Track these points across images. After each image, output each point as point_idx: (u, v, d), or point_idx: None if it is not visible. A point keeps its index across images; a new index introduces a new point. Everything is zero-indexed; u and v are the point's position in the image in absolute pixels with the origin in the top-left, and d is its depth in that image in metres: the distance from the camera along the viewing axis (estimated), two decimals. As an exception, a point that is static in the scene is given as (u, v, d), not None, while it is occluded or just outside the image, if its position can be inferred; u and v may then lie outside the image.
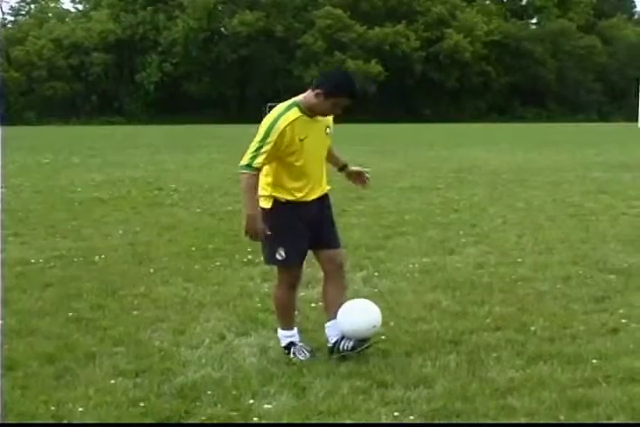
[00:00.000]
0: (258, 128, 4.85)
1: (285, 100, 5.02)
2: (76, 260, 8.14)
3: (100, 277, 7.26)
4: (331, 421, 4.05)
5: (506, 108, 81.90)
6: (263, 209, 4.97)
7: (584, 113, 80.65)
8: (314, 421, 4.06)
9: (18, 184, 15.73)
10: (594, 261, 7.84)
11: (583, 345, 5.15)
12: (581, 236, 9.41)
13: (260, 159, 4.80)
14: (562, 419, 4.03)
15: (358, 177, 5.43)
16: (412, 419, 4.05)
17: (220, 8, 78.96)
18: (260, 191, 5.00)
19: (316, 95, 4.82)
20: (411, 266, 7.71)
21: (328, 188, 5.19)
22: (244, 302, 6.38)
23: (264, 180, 5.01)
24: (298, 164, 4.91)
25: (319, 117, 4.92)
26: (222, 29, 79.08)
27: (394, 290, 6.77)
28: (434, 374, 4.66)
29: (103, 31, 76.20)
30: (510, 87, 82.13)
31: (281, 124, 4.81)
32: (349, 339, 4.91)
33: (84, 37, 75.87)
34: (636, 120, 54.56)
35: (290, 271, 5.09)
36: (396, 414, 4.10)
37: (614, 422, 4.00)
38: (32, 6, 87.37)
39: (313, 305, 6.11)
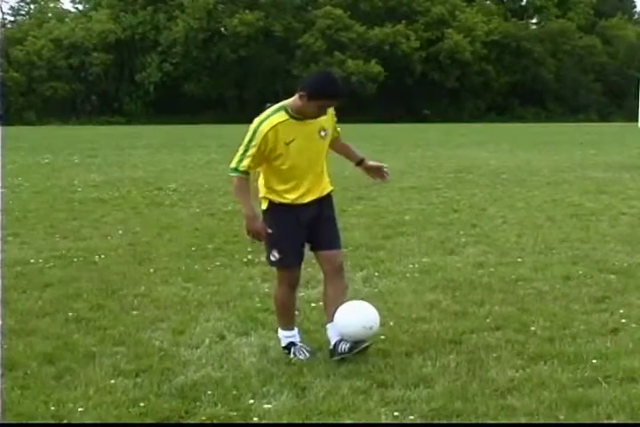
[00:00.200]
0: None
1: (285, 100, 5.02)
2: (75, 260, 8.13)
3: (99, 277, 7.27)
4: (331, 421, 4.05)
5: (505, 108, 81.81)
6: (262, 210, 5.04)
7: (584, 113, 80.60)
8: (314, 421, 4.06)
9: (17, 184, 15.73)
10: (594, 261, 7.85)
11: (583, 345, 5.16)
12: (581, 236, 9.41)
13: (245, 162, 4.85)
14: (562, 419, 4.03)
15: (377, 172, 5.43)
16: (411, 419, 4.05)
17: (219, 8, 78.95)
18: (260, 193, 5.05)
19: (300, 98, 4.81)
20: (411, 266, 7.71)
21: (330, 188, 5.19)
22: (244, 302, 6.38)
23: (260, 181, 5.06)
24: (284, 167, 4.92)
25: (309, 120, 4.89)
26: (222, 29, 79.06)
27: (394, 290, 6.77)
28: (434, 373, 4.66)
29: (103, 31, 76.14)
30: (510, 87, 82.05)
31: (264, 128, 4.82)
32: (347, 341, 4.89)
33: (83, 37, 75.80)
34: (636, 120, 54.50)
35: (287, 272, 5.10)
36: (395, 414, 4.10)
37: (614, 422, 4.00)
38: (32, 6, 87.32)
39: (313, 305, 6.12)
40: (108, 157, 24.27)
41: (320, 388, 4.45)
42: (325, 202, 5.14)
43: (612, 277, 7.14)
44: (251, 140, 4.84)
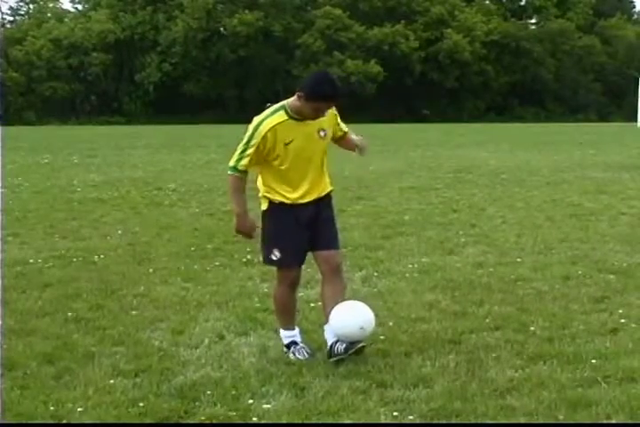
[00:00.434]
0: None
1: (284, 100, 5.02)
2: (75, 260, 8.13)
3: (99, 277, 7.27)
4: (330, 421, 4.05)
5: (505, 108, 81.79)
6: (262, 210, 5.05)
7: (583, 113, 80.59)
8: (313, 421, 4.06)
9: (17, 184, 15.73)
10: (593, 261, 7.85)
11: (582, 345, 5.16)
12: (580, 236, 9.41)
13: (244, 162, 4.86)
14: (561, 419, 4.03)
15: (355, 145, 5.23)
16: (411, 419, 4.05)
17: (219, 8, 78.94)
18: (259, 192, 5.06)
19: (299, 98, 4.80)
20: (410, 266, 7.71)
21: (330, 188, 5.19)
22: (244, 302, 6.38)
23: (259, 181, 5.06)
24: (283, 168, 4.92)
25: (309, 120, 4.88)
26: (221, 29, 79.04)
27: (393, 290, 6.77)
28: (433, 373, 4.66)
29: (102, 31, 76.09)
30: (509, 87, 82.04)
31: (263, 129, 4.82)
32: (342, 342, 4.87)
33: (83, 37, 75.75)
34: (636, 120, 54.46)
35: (287, 272, 5.10)
36: (395, 414, 4.10)
37: (613, 421, 4.00)
38: (31, 6, 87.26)
39: (312, 305, 6.12)
40: (108, 157, 24.26)
41: (319, 388, 4.45)
42: (324, 202, 5.13)
43: (612, 277, 7.14)
44: (250, 140, 4.85)
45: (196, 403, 4.27)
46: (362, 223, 10.52)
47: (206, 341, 5.37)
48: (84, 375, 4.68)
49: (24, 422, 4.06)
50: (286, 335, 5.15)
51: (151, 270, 7.60)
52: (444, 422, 4.04)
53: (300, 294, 6.03)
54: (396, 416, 4.08)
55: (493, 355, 4.97)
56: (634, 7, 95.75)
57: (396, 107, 77.44)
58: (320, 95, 4.74)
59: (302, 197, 5.00)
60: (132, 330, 5.62)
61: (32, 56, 75.03)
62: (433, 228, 10.16)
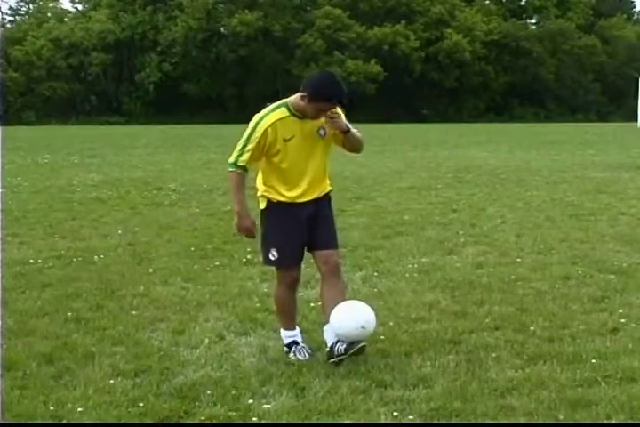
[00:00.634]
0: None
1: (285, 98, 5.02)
2: (74, 260, 8.13)
3: (98, 277, 7.26)
4: (330, 421, 4.05)
5: (505, 108, 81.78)
6: (261, 209, 5.05)
7: (583, 113, 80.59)
8: (313, 421, 4.06)
9: (16, 184, 15.72)
10: (593, 261, 7.85)
11: (582, 345, 5.16)
12: (580, 235, 9.41)
13: (244, 157, 4.86)
14: (561, 419, 4.03)
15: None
16: (411, 419, 4.05)
17: (219, 8, 78.95)
18: (258, 191, 5.05)
19: (302, 98, 4.81)
20: (410, 266, 7.71)
21: (329, 188, 5.18)
22: (243, 302, 6.38)
23: (258, 180, 5.06)
24: (283, 165, 4.92)
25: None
26: (221, 29, 79.04)
27: (393, 290, 6.77)
28: (433, 373, 4.66)
29: (102, 31, 76.08)
30: (509, 87, 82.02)
31: (264, 124, 4.83)
32: (343, 342, 4.85)
33: (83, 37, 75.74)
34: (635, 120, 54.45)
35: (286, 271, 5.10)
36: (395, 413, 4.10)
37: (613, 421, 4.00)
38: (31, 6, 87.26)
39: (312, 305, 6.12)
40: (108, 156, 24.26)
41: (319, 388, 4.45)
42: (323, 201, 5.12)
43: (612, 276, 7.15)
44: (250, 135, 4.85)
45: (196, 403, 4.27)
46: (361, 223, 10.52)
47: (206, 341, 5.37)
48: (83, 375, 4.67)
49: (24, 422, 4.06)
50: (287, 335, 5.15)
51: (151, 270, 7.60)
52: (444, 422, 4.04)
53: (300, 293, 6.03)
54: (396, 416, 4.08)
55: (493, 355, 4.97)
56: (634, 7, 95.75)
57: (396, 107, 77.42)
58: (324, 97, 4.75)
59: (301, 195, 5.00)
60: (131, 330, 5.62)
61: (32, 56, 75.01)
62: (433, 228, 10.16)
